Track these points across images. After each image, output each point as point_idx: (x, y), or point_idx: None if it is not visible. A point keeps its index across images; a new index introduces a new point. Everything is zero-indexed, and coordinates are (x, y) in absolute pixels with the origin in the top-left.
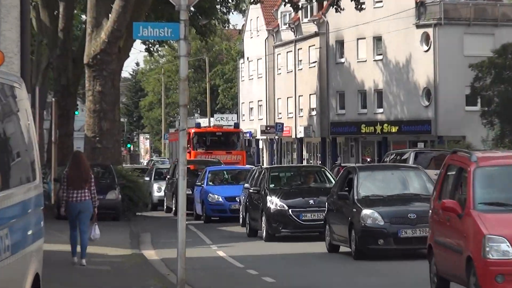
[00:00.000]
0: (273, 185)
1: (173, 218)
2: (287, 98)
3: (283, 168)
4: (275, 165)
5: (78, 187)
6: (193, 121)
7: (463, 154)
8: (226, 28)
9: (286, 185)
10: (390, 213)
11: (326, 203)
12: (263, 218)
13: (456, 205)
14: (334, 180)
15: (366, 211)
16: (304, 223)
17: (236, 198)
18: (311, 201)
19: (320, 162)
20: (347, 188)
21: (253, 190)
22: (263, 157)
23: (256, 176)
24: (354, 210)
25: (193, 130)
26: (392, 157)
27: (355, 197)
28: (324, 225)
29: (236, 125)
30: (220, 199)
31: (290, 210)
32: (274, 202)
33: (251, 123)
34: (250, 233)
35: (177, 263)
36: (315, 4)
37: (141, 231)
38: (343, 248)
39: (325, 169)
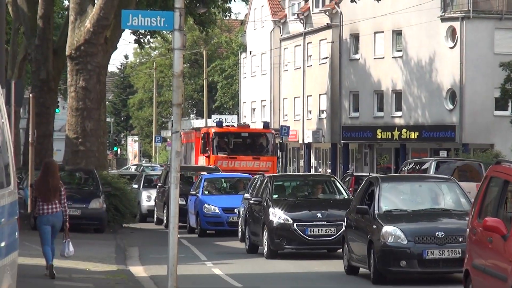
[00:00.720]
0: (276, 196)
1: (164, 231)
2: (294, 98)
3: (288, 176)
4: (279, 174)
5: (47, 199)
6: (188, 123)
7: (511, 165)
8: (227, 18)
9: (291, 196)
10: (415, 231)
11: (345, 218)
12: (265, 232)
13: (501, 224)
14: (345, 192)
15: (387, 228)
16: (310, 239)
17: (235, 210)
18: (319, 215)
19: (330, 171)
20: (369, 202)
21: (254, 201)
22: None
23: (257, 185)
24: (374, 226)
25: (213, 130)
26: (410, 166)
27: (376, 212)
28: (342, 244)
29: (266, 125)
30: (217, 211)
31: (295, 224)
32: (277, 215)
33: (254, 125)
34: (250, 249)
35: (167, 282)
36: None
37: (128, 245)
38: (363, 270)
39: (335, 179)
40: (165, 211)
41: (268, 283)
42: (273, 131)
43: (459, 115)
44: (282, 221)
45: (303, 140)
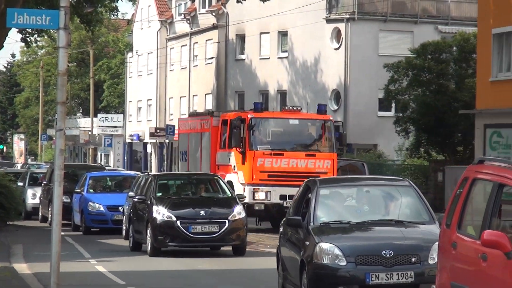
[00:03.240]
0: (160, 194)
1: (49, 229)
2: (180, 97)
3: (172, 175)
4: (164, 172)
5: None
6: (74, 121)
7: (504, 165)
8: (114, 17)
9: (175, 194)
10: (357, 249)
11: (280, 230)
12: (149, 230)
13: (504, 239)
14: (229, 190)
15: (322, 245)
16: (193, 236)
17: (119, 208)
18: (202, 212)
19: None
20: (305, 210)
21: (138, 199)
22: (151, 162)
23: (142, 183)
24: (307, 242)
25: (250, 115)
26: None
27: (311, 224)
28: (277, 261)
29: (322, 109)
30: (101, 209)
31: (178, 222)
32: (161, 213)
33: (139, 124)
34: (134, 247)
35: (50, 278)
36: None
37: (12, 242)
38: None
39: (219, 178)
40: (50, 209)
41: (151, 280)
42: (332, 118)
43: (343, 115)
44: (165, 219)
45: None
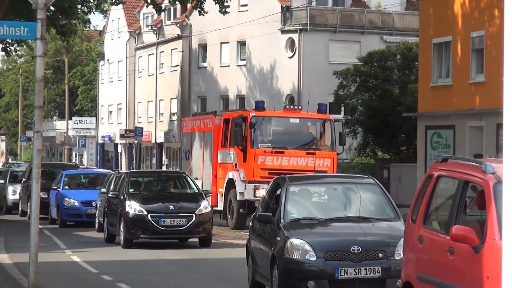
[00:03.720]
0: (132, 190)
1: (28, 222)
2: (148, 102)
3: (143, 173)
4: (135, 170)
5: None
6: (50, 124)
7: (467, 163)
8: (87, 28)
9: (146, 190)
10: (326, 245)
11: (250, 225)
12: (122, 223)
13: (472, 234)
14: (196, 186)
15: (293, 241)
16: (163, 229)
17: (93, 203)
18: (171, 207)
19: (180, 168)
20: (275, 206)
21: (112, 194)
22: (121, 161)
23: (113, 180)
24: (278, 238)
25: (251, 114)
26: None
27: (281, 220)
28: (247, 255)
29: (322, 108)
30: (76, 204)
31: (149, 215)
32: (133, 207)
33: (110, 126)
34: (108, 239)
35: (29, 268)
36: (178, 6)
37: None
38: None
39: (187, 175)
40: (28, 204)
41: (121, 269)
42: (332, 118)
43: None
44: (137, 213)
45: (155, 140)
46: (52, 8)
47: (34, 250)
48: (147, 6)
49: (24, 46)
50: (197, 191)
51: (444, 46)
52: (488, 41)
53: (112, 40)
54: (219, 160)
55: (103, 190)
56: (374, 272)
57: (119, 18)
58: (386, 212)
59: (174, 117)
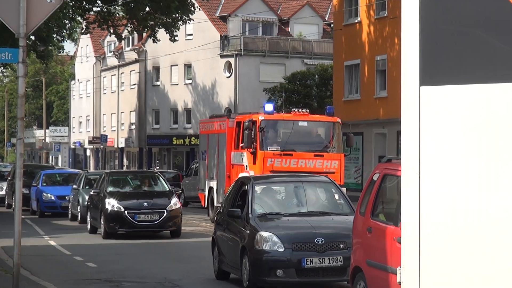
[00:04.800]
0: (111, 189)
1: (13, 213)
2: (111, 114)
3: (121, 173)
4: (114, 170)
5: None
6: (31, 132)
7: None
8: (61, 53)
9: (123, 188)
10: (293, 237)
11: (215, 219)
12: (102, 218)
13: None
14: (167, 185)
15: (262, 234)
16: (138, 223)
17: (66, 197)
18: (145, 203)
19: (157, 168)
20: (240, 203)
21: (93, 192)
22: (89, 163)
23: (82, 178)
24: (248, 231)
25: (261, 117)
26: (197, 165)
27: (250, 216)
28: (212, 246)
29: (330, 112)
30: (53, 198)
31: (126, 212)
32: (111, 204)
33: (81, 134)
34: (91, 230)
35: (14, 250)
36: (136, 35)
37: None
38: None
39: (159, 174)
40: (13, 198)
41: (90, 251)
42: (339, 120)
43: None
44: (115, 209)
45: (117, 145)
46: (32, 37)
47: (18, 236)
48: (110, 35)
49: (9, 68)
50: (168, 189)
51: (353, 67)
52: (390, 63)
53: (81, 63)
54: (232, 162)
55: (74, 186)
56: (336, 261)
57: (87, 45)
58: (342, 207)
59: (133, 126)
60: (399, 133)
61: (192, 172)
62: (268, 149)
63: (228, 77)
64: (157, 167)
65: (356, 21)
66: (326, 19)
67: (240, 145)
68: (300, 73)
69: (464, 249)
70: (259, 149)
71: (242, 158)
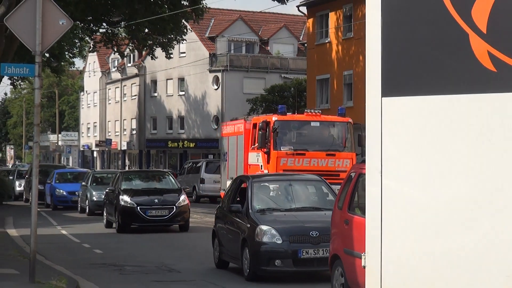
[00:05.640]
0: (125, 186)
1: (30, 206)
2: (115, 121)
3: (134, 172)
4: (128, 170)
5: None
6: (45, 137)
7: None
8: (72, 68)
9: (136, 186)
10: (290, 230)
11: (215, 214)
12: (116, 213)
13: None
14: (176, 183)
15: (262, 227)
16: (150, 218)
17: (76, 193)
18: (156, 200)
19: (137, 168)
20: (238, 199)
21: (109, 190)
22: (96, 163)
23: (90, 176)
24: (248, 225)
25: (274, 118)
26: (190, 164)
27: (250, 211)
28: (213, 238)
29: (341, 112)
30: (64, 193)
31: (138, 207)
32: (125, 200)
33: (89, 138)
34: (107, 225)
35: (30, 238)
36: (136, 53)
37: (6, 215)
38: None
39: (169, 173)
40: (30, 193)
41: (98, 240)
42: (351, 120)
43: (220, 132)
44: (128, 205)
45: (120, 148)
46: (46, 54)
47: (34, 226)
48: (114, 53)
49: (27, 82)
50: (177, 187)
51: (324, 81)
52: (355, 77)
53: (89, 77)
54: (249, 162)
55: (83, 183)
56: (329, 253)
57: (94, 62)
58: (331, 203)
59: (134, 132)
60: (360, 136)
61: (185, 171)
62: (282, 149)
63: (216, 89)
64: (151, 168)
65: (326, 41)
66: (301, 39)
67: (255, 145)
68: (278, 86)
69: (419, 235)
70: (272, 149)
71: (258, 158)
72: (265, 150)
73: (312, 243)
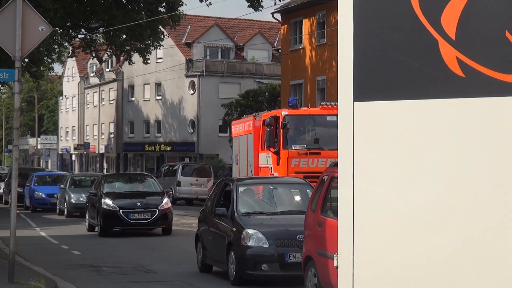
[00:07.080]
0: (107, 189)
1: (9, 208)
2: (93, 124)
3: (116, 175)
4: (110, 173)
5: None
6: (25, 140)
7: None
8: (51, 73)
9: (118, 189)
10: (276, 234)
11: (199, 217)
12: (99, 216)
13: None
14: (158, 186)
15: (248, 231)
16: (132, 221)
17: (54, 195)
18: (138, 203)
19: (114, 171)
20: (223, 202)
21: (91, 193)
22: (75, 166)
23: (68, 179)
24: (234, 229)
25: (284, 113)
26: (166, 167)
27: (235, 214)
28: (196, 242)
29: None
30: (43, 195)
31: (120, 211)
32: (107, 204)
33: (67, 142)
34: (89, 228)
35: (10, 240)
36: (114, 58)
37: None
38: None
39: (151, 176)
40: (10, 196)
41: (75, 241)
42: None
43: (197, 136)
44: (111, 209)
45: (98, 151)
46: (26, 59)
47: (14, 228)
48: (92, 58)
49: (6, 86)
50: (160, 190)
51: (298, 86)
52: (328, 82)
53: (68, 82)
54: (259, 164)
55: (61, 186)
56: None
57: (73, 67)
58: None
59: (112, 135)
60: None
61: (161, 174)
62: (293, 148)
63: (192, 94)
64: (128, 171)
65: (300, 47)
66: (275, 45)
67: (264, 144)
68: (253, 91)
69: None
70: (282, 148)
71: (268, 160)
72: (274, 150)
73: (299, 247)
